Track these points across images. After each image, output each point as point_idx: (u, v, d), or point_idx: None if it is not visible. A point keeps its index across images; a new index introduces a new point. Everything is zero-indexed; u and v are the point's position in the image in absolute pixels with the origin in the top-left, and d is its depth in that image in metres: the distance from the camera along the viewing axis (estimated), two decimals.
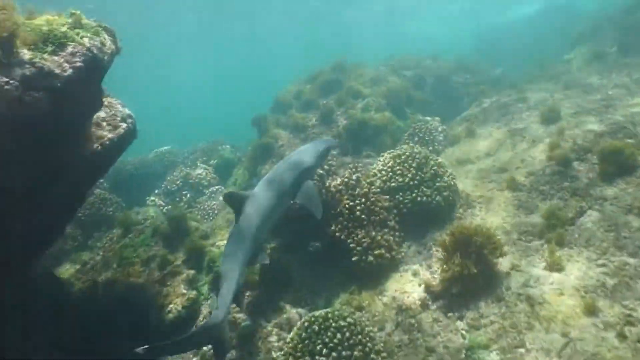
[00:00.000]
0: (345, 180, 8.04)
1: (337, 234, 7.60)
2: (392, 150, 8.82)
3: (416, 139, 11.20)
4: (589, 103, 9.93)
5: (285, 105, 13.90)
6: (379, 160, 8.78)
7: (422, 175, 8.05)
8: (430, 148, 11.01)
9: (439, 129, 11.51)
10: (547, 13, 34.82)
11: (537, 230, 6.86)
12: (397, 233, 7.73)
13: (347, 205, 7.74)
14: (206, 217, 12.05)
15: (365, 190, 7.93)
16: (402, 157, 8.36)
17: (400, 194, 7.99)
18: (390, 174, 8.23)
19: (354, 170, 8.65)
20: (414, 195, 7.86)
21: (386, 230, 7.63)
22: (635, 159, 6.94)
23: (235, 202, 6.34)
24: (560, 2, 34.70)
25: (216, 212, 12.20)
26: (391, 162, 8.36)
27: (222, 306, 5.37)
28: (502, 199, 7.87)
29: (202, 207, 12.57)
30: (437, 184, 8.00)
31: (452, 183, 8.18)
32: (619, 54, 13.16)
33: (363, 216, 7.64)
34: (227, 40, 44.34)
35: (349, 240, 7.46)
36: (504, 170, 8.62)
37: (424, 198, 7.81)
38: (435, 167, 8.17)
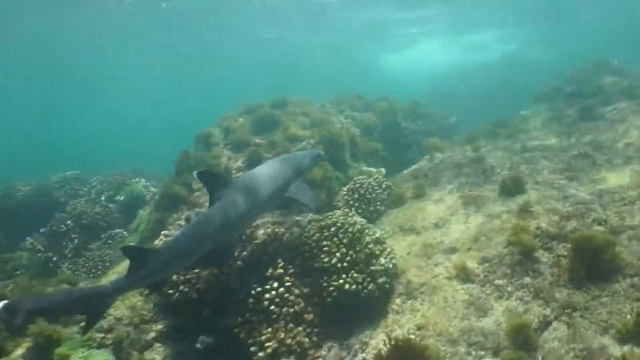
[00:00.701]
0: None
1: (236, 329, 5.86)
2: (320, 218, 7.21)
3: (356, 195, 9.74)
4: (552, 172, 8.94)
5: (210, 142, 12.11)
6: (304, 230, 7.15)
7: (355, 256, 6.49)
8: (372, 208, 9.60)
9: (383, 185, 10.14)
10: (503, 63, 35.97)
11: (490, 344, 5.41)
12: (315, 330, 6.08)
13: (253, 292, 6.03)
14: (92, 271, 9.86)
15: (280, 271, 6.26)
16: (332, 228, 6.79)
17: (325, 278, 6.38)
18: (315, 250, 6.62)
19: (271, 235, 7.00)
20: (341, 281, 6.27)
21: (301, 328, 5.95)
22: (612, 258, 5.72)
23: (210, 182, 5.71)
24: (516, 53, 36.08)
25: (108, 264, 10.06)
26: (317, 235, 6.76)
27: (118, 283, 5.17)
28: (449, 291, 6.43)
29: (91, 257, 10.36)
30: (372, 267, 6.47)
31: (391, 266, 6.68)
32: (579, 116, 12.54)
33: (273, 307, 5.94)
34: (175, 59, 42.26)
35: (249, 341, 5.73)
36: (453, 250, 7.25)
37: (354, 286, 6.24)
38: (371, 245, 6.66)
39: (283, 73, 48.28)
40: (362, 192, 9.81)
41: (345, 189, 10.03)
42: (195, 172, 5.70)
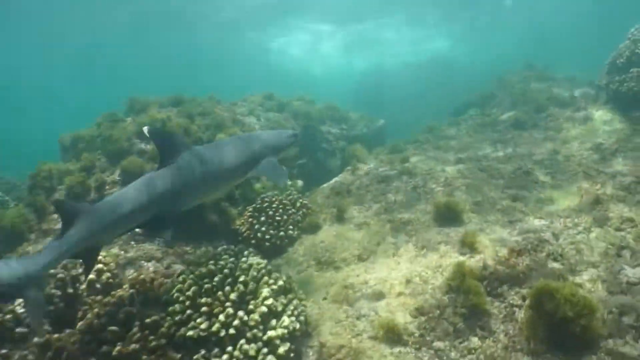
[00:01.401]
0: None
1: None
2: (199, 261, 5.32)
3: (263, 217, 7.94)
4: (492, 190, 7.76)
5: (80, 148, 9.69)
6: (174, 283, 5.21)
7: (246, 318, 4.68)
8: (282, 233, 7.86)
9: (298, 203, 8.44)
10: (430, 64, 36.16)
11: None
12: None
13: None
14: None
15: (135, 346, 4.31)
16: (216, 277, 4.94)
17: (203, 351, 4.51)
18: (189, 311, 4.72)
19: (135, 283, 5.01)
20: (225, 357, 4.43)
21: None
22: (587, 321, 4.36)
23: (162, 142, 5.09)
24: (443, 55, 36.34)
25: None
26: (194, 288, 4.86)
27: (48, 251, 4.23)
28: (375, 358, 4.85)
29: None
30: (272, 331, 4.70)
31: (298, 326, 4.96)
32: (512, 123, 11.73)
33: None
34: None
35: None
36: (380, 296, 5.71)
37: None
38: (271, 300, 4.88)
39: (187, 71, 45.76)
40: (271, 212, 8.04)
41: (250, 208, 8.21)
42: (145, 127, 5.02)
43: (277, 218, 8.02)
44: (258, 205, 8.19)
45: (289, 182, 9.89)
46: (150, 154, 9.10)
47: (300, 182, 10.12)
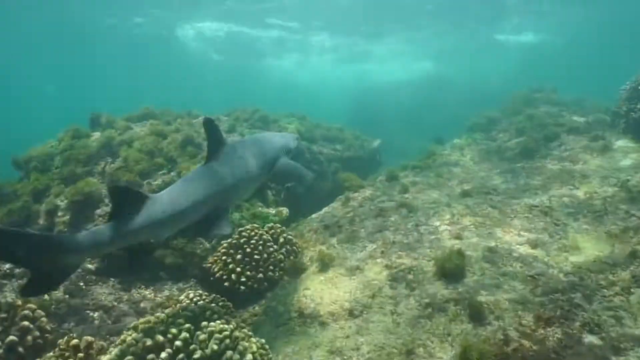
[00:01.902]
0: None
1: None
2: (139, 330, 4.20)
3: (239, 256, 6.86)
4: (506, 233, 6.72)
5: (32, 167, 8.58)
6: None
7: None
8: (261, 275, 6.80)
9: (282, 238, 7.37)
10: (428, 83, 35.44)
11: None
12: None
13: None
14: None
15: None
16: (167, 349, 3.82)
17: None
18: None
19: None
20: None
21: None
22: None
23: (214, 133, 4.93)
24: (440, 73, 35.70)
25: None
26: None
27: (98, 234, 3.86)
28: None
29: None
30: None
31: None
32: (521, 151, 10.78)
33: None
34: None
35: None
36: None
37: None
38: None
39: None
40: (249, 250, 6.97)
41: (225, 244, 7.12)
42: (203, 117, 5.16)
43: (256, 257, 6.94)
44: (234, 241, 7.11)
45: (272, 211, 8.85)
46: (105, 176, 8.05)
47: (285, 211, 9.05)
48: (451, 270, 5.65)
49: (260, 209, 8.67)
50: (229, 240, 7.15)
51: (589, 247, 6.14)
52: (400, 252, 6.48)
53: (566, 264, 5.78)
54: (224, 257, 6.95)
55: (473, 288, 5.37)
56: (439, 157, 11.89)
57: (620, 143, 9.86)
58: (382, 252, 6.60)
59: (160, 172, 8.62)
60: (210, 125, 4.93)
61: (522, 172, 9.58)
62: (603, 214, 6.96)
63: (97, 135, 9.79)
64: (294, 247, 7.45)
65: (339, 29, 30.45)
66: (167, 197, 4.39)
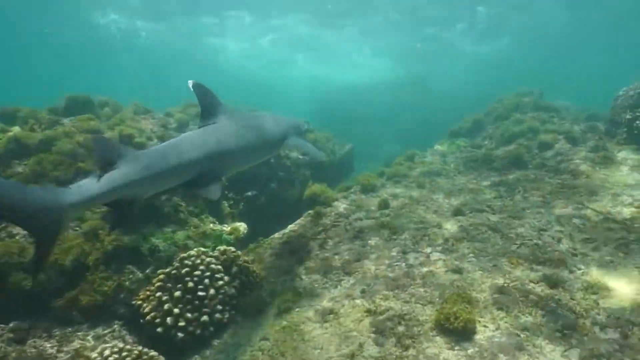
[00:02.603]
0: None
1: None
2: None
3: (178, 292, 5.29)
4: (516, 266, 5.43)
5: None
6: None
7: None
8: (205, 317, 5.28)
9: (235, 268, 5.84)
10: (403, 83, 34.46)
11: None
12: None
13: None
14: None
15: None
16: None
17: None
18: None
19: None
20: None
21: None
22: None
23: (205, 98, 4.98)
24: (417, 74, 34.69)
25: None
26: None
27: (86, 188, 3.77)
28: None
29: None
30: None
31: None
32: (511, 161, 9.63)
33: None
34: None
35: None
36: None
37: None
38: None
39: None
40: (193, 284, 5.42)
41: (163, 275, 5.54)
42: (190, 81, 4.86)
43: (201, 293, 5.39)
44: (174, 271, 5.53)
45: (227, 228, 7.31)
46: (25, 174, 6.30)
47: (243, 227, 7.51)
48: (457, 323, 4.28)
49: (212, 225, 7.09)
50: (167, 270, 5.57)
51: (621, 287, 4.93)
52: (385, 292, 5.07)
53: (598, 312, 4.53)
54: (158, 294, 5.36)
55: (488, 350, 4.02)
56: (419, 165, 10.63)
57: (624, 154, 8.85)
58: (363, 290, 5.18)
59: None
60: (201, 90, 4.91)
61: (517, 185, 8.40)
62: (627, 242, 5.80)
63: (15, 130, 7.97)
64: (251, 278, 5.94)
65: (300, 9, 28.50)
66: (155, 154, 4.31)
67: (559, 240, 5.99)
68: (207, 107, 4.95)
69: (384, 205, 7.69)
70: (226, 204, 8.65)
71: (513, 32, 29.16)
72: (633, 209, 6.69)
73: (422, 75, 34.54)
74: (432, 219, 7.03)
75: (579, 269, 5.31)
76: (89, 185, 3.78)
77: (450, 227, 6.61)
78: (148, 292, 5.47)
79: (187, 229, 6.79)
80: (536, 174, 8.86)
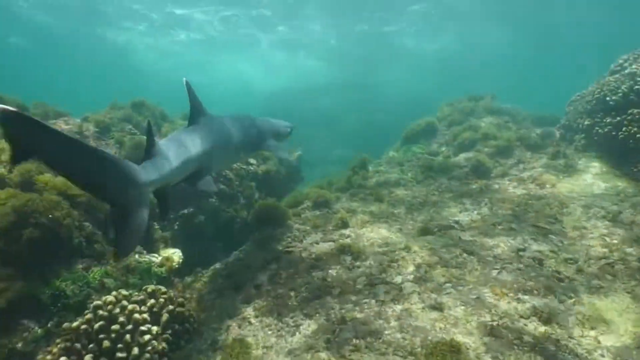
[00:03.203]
0: None
1: None
2: None
3: (88, 355, 4.10)
4: (502, 296, 4.73)
5: None
6: None
7: None
8: None
9: (165, 315, 4.72)
10: (345, 84, 34.04)
11: None
12: None
13: None
14: None
15: None
16: None
17: None
18: None
19: None
20: None
21: None
22: None
23: (195, 98, 5.14)
24: (360, 74, 34.42)
25: None
26: None
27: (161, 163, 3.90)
28: None
29: None
30: None
31: None
32: (472, 169, 9.14)
33: None
34: None
35: None
36: None
37: None
38: None
39: None
40: (109, 343, 4.25)
41: (68, 332, 4.33)
42: (184, 78, 5.07)
43: (120, 354, 4.23)
44: (84, 326, 4.34)
45: (157, 258, 6.15)
46: None
47: (177, 255, 6.38)
48: None
49: (137, 256, 5.89)
50: (75, 323, 4.36)
51: (618, 319, 4.35)
52: (356, 341, 4.17)
53: (602, 354, 3.90)
54: (62, 359, 4.16)
55: None
56: (374, 174, 9.91)
57: (585, 162, 8.57)
58: (328, 340, 4.25)
59: None
60: (191, 90, 5.07)
61: (482, 196, 7.86)
62: (612, 262, 5.30)
63: None
64: (187, 325, 4.86)
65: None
66: (170, 146, 4.33)
67: (540, 263, 5.40)
68: (196, 107, 5.14)
69: (342, 224, 6.84)
70: (157, 226, 7.44)
71: (454, 31, 29.53)
72: (607, 223, 6.28)
73: (364, 75, 34.32)
74: (398, 239, 6.26)
75: (569, 297, 4.71)
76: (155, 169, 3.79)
77: (420, 249, 5.85)
78: (49, 357, 4.24)
79: (104, 263, 5.57)
80: (500, 184, 8.38)
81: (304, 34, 29.83)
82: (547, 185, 7.88)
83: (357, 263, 5.62)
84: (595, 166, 8.36)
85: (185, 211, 8.44)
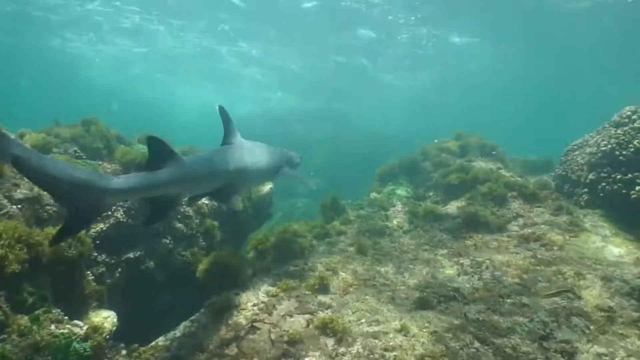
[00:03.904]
0: None
1: None
2: None
3: None
4: None
5: None
6: None
7: None
8: None
9: None
10: (318, 115, 33.13)
11: None
12: None
13: None
14: None
15: None
16: None
17: None
18: None
19: None
20: None
21: None
22: None
23: (227, 120, 5.70)
24: (333, 106, 33.73)
25: None
26: None
27: (129, 180, 4.10)
28: None
29: None
30: None
31: None
32: (464, 221, 8.15)
33: None
34: None
35: None
36: None
37: None
38: None
39: None
40: None
41: None
42: (216, 104, 5.60)
43: None
44: None
45: (82, 328, 4.73)
46: None
47: (110, 322, 4.97)
48: None
49: (53, 327, 4.45)
50: None
51: None
52: None
53: None
54: None
55: None
56: (355, 219, 8.79)
57: (591, 220, 7.73)
58: None
59: None
60: (224, 113, 5.60)
61: (480, 255, 6.83)
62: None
63: None
64: None
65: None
66: (191, 162, 4.73)
67: (572, 357, 4.34)
68: (229, 129, 5.64)
69: (320, 287, 5.62)
70: (90, 276, 6.00)
71: (434, 68, 29.32)
72: (633, 302, 5.33)
73: (337, 107, 33.67)
74: (391, 314, 5.09)
75: None
76: (134, 178, 4.13)
77: (420, 331, 4.69)
78: None
79: (5, 338, 4.13)
80: (498, 241, 7.40)
81: (272, 57, 28.91)
82: (555, 247, 6.94)
83: (342, 349, 4.40)
84: (604, 226, 7.52)
85: (131, 255, 7.04)
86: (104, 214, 4.85)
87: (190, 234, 7.96)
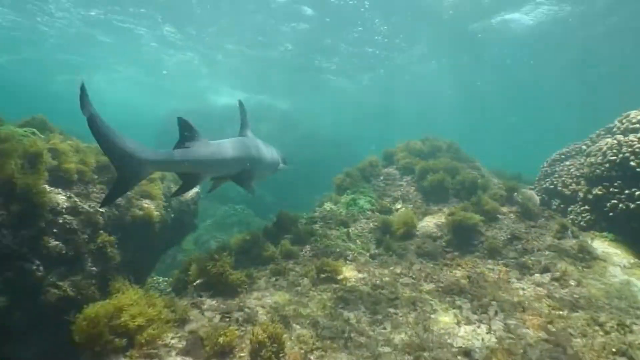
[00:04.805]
0: None
1: None
2: None
3: None
4: None
5: None
6: None
7: None
8: None
9: None
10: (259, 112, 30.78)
11: None
12: None
13: None
14: None
15: None
16: None
17: None
18: None
19: None
20: None
21: None
22: None
23: (244, 112, 6.52)
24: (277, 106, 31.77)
25: None
26: None
27: (162, 153, 4.66)
28: None
29: None
30: None
31: None
32: (449, 242, 6.43)
33: None
34: None
35: None
36: None
37: None
38: None
39: None
40: None
41: None
42: (239, 99, 6.61)
43: None
44: None
45: None
46: None
47: None
48: None
49: None
50: None
51: None
52: None
53: None
54: None
55: None
56: (307, 236, 6.79)
57: (600, 246, 6.28)
58: None
59: None
60: (243, 107, 6.53)
61: (480, 292, 5.09)
62: None
63: None
64: None
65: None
66: (215, 145, 5.37)
67: None
68: (245, 122, 6.48)
69: (269, 353, 3.56)
70: None
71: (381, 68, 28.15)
72: None
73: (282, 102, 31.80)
74: None
75: None
76: (168, 153, 4.68)
77: None
78: None
79: None
80: (496, 272, 5.72)
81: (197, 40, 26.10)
82: (571, 282, 5.36)
83: None
84: (617, 254, 6.08)
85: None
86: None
87: (72, 255, 5.56)
